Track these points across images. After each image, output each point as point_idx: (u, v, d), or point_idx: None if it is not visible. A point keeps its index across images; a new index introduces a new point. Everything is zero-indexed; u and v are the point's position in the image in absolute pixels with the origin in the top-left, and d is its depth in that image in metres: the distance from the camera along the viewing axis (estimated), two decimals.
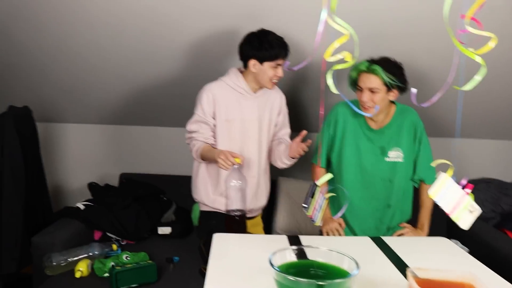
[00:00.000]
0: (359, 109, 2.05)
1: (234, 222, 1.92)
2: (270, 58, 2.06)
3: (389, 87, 1.99)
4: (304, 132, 2.01)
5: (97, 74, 2.72)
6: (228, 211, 1.94)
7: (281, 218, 2.86)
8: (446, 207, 1.15)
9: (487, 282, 1.11)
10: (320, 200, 1.45)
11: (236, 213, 1.92)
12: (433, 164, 1.28)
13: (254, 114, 2.18)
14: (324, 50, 0.96)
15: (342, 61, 0.99)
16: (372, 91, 1.97)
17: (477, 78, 0.94)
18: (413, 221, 2.24)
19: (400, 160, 2.10)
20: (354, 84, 2.06)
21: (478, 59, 0.92)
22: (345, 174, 2.15)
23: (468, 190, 1.17)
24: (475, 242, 2.53)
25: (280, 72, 2.09)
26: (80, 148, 3.27)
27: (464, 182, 1.18)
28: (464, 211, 1.16)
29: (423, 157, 2.13)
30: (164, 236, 2.74)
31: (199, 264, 2.16)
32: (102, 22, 2.32)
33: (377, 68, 1.96)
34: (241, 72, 2.19)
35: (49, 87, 2.85)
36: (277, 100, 2.28)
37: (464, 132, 3.20)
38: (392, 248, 1.62)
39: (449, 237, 1.89)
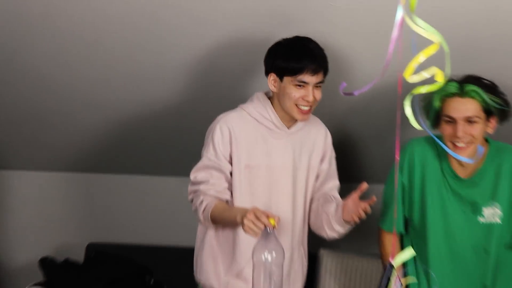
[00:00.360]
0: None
1: None
2: (291, 71, 1.75)
3: (488, 114, 1.74)
4: (365, 186, 1.71)
5: (59, 99, 2.44)
6: None
7: None
8: None
9: None
10: None
11: None
12: None
13: (287, 158, 1.90)
14: (396, 67, 0.78)
15: (426, 81, 0.76)
16: (469, 120, 1.71)
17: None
18: None
19: (498, 220, 1.82)
20: (436, 115, 1.80)
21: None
22: (429, 243, 1.86)
23: None
24: None
25: (309, 94, 1.77)
26: (29, 206, 2.92)
27: None
28: None
29: None
30: None
31: None
32: (68, 31, 2.10)
33: (475, 88, 1.71)
34: (270, 98, 1.91)
35: None
36: (319, 139, 1.99)
37: None
38: None
39: None
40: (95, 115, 2.54)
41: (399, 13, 0.75)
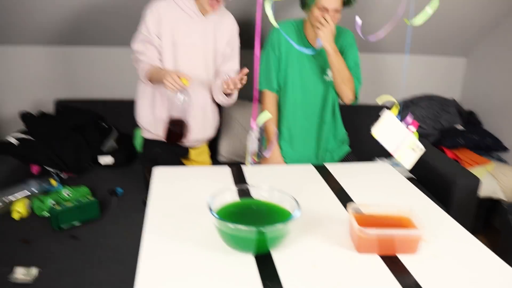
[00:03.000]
0: (301, 30, 2.16)
1: (175, 126, 2.01)
2: None
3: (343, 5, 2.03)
4: (245, 70, 1.94)
5: None
6: (169, 117, 2.00)
7: (225, 143, 2.85)
8: (389, 147, 1.14)
9: (424, 211, 1.18)
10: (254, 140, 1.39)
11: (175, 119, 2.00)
12: (379, 100, 1.24)
13: (202, 38, 2.11)
14: None
15: None
16: (336, 10, 1.99)
17: (429, 11, 0.91)
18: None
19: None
20: (307, 3, 2.04)
21: None
22: (288, 95, 2.23)
23: (413, 129, 1.15)
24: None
25: None
26: (8, 73, 3.05)
27: (409, 120, 1.16)
28: (408, 150, 1.14)
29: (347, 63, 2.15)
30: (106, 166, 2.68)
31: (143, 194, 2.10)
32: None
33: None
34: None
35: None
36: (228, 28, 2.18)
37: (414, 49, 3.24)
38: (336, 177, 1.64)
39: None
40: (56, 1, 2.56)
41: None
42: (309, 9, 2.06)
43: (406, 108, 3.33)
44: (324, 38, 1.98)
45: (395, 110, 1.15)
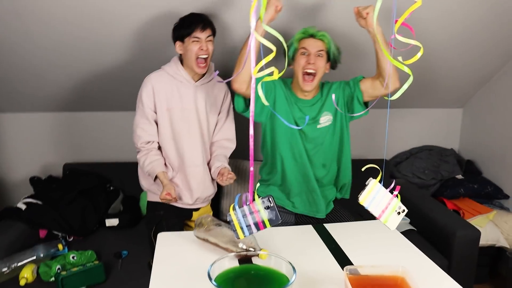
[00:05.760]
0: (290, 87, 2.15)
1: None
2: (188, 32, 2.05)
3: (328, 59, 2.06)
4: (233, 176, 2.14)
5: (31, 61, 2.56)
6: None
7: (226, 201, 2.88)
8: (375, 212, 1.20)
9: (422, 270, 1.19)
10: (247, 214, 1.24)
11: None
12: (363, 169, 1.31)
13: (195, 103, 2.19)
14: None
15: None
16: (318, 55, 2.03)
17: (405, 86, 0.98)
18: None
19: (330, 122, 2.16)
20: (294, 52, 2.07)
21: (406, 69, 0.97)
22: (279, 149, 2.17)
23: (396, 193, 1.23)
24: (415, 212, 2.66)
25: (205, 46, 2.06)
26: (19, 139, 3.14)
27: (392, 185, 1.23)
28: (392, 213, 1.21)
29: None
30: (112, 227, 2.71)
31: (148, 256, 2.15)
32: (29, 12, 2.20)
33: (325, 34, 2.04)
34: (181, 60, 2.19)
35: None
36: (220, 95, 2.29)
37: (406, 102, 3.30)
38: (334, 236, 1.69)
39: None
40: (62, 71, 2.65)
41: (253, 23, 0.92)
42: (293, 59, 2.08)
43: (406, 159, 3.36)
44: (370, 20, 1.84)
45: (379, 178, 1.22)
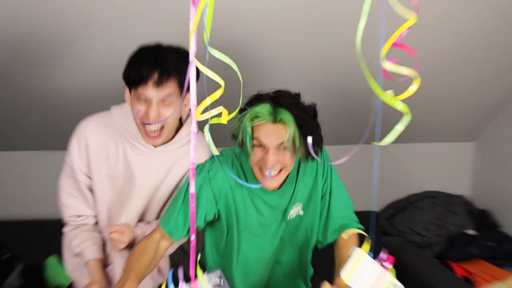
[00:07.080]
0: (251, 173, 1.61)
1: None
2: (133, 83, 1.39)
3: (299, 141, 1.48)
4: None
5: None
6: None
7: None
8: None
9: None
10: None
11: None
12: (344, 235, 1.36)
13: (148, 176, 1.64)
14: None
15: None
16: (279, 148, 1.46)
17: (399, 128, 0.75)
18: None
19: (301, 213, 1.75)
20: (246, 144, 1.51)
21: (400, 107, 0.74)
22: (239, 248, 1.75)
23: (389, 265, 1.13)
24: (415, 281, 2.31)
25: (155, 111, 1.40)
26: None
27: (383, 256, 1.13)
28: None
29: (336, 204, 1.75)
30: None
31: None
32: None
33: (287, 115, 1.40)
34: None
35: None
36: (184, 161, 1.69)
37: (402, 135, 2.97)
38: None
39: None
40: None
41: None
42: (249, 149, 1.50)
43: (402, 210, 3.16)
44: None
45: (366, 247, 1.13)
